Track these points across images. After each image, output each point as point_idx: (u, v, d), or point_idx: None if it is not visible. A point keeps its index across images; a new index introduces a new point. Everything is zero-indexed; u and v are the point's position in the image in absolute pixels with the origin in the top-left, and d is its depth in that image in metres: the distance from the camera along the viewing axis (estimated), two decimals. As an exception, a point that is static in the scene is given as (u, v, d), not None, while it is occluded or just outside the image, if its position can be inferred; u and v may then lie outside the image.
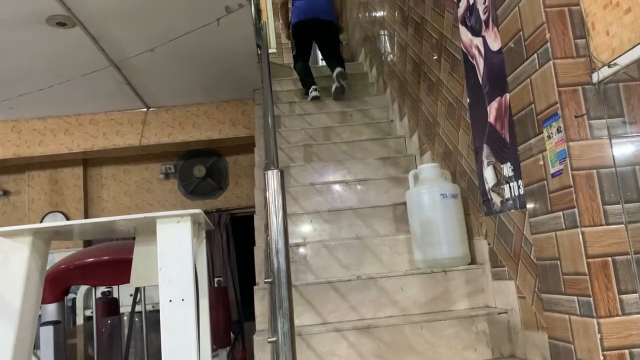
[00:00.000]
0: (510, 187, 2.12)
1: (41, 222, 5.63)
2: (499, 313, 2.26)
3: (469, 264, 2.57)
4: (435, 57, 3.00)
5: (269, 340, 1.76)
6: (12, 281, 1.21)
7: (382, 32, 4.63)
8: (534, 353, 2.03)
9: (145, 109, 5.38)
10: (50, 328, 2.50)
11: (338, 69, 4.55)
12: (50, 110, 5.16)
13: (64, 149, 5.35)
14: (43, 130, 5.34)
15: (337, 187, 3.36)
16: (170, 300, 1.18)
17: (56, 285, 2.80)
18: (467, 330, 2.25)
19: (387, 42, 4.40)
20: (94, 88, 4.63)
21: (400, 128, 4.01)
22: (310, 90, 4.71)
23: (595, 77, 1.54)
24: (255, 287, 2.53)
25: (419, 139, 3.51)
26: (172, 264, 1.21)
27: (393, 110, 4.24)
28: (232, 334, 4.94)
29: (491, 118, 2.25)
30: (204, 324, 1.45)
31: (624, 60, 1.41)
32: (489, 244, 2.43)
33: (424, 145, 3.38)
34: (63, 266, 2.83)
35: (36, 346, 2.46)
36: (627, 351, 1.43)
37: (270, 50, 4.38)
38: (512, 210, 2.12)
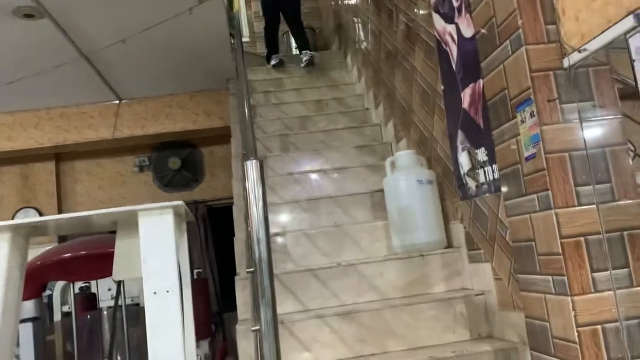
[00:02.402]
0: (484, 171, 2.16)
1: (12, 218, 5.51)
2: (476, 295, 2.31)
3: (445, 248, 2.62)
4: (409, 45, 3.02)
5: (253, 329, 1.77)
6: (-8, 278, 1.20)
7: (355, 19, 4.64)
8: (511, 332, 2.09)
9: (117, 101, 5.29)
10: (30, 325, 2.46)
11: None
12: (18, 104, 5.03)
13: (34, 143, 5.23)
14: (11, 124, 5.21)
15: (315, 176, 3.37)
16: (155, 292, 1.18)
17: (33, 281, 2.75)
18: (445, 313, 2.30)
19: (361, 30, 4.41)
20: (64, 81, 4.53)
21: (376, 116, 4.03)
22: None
23: (566, 62, 1.58)
24: (236, 278, 2.54)
25: (394, 126, 3.54)
26: (156, 255, 1.21)
27: (368, 98, 4.26)
28: (212, 326, 4.94)
29: (465, 104, 2.28)
30: (188, 315, 1.46)
31: (593, 46, 1.45)
32: (464, 227, 2.48)
33: (400, 133, 3.41)
34: (39, 262, 2.79)
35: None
36: (599, 327, 1.48)
37: (243, 39, 4.35)
38: (487, 194, 2.16)
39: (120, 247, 1.37)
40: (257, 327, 1.65)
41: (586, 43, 1.47)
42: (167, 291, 1.19)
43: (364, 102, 4.39)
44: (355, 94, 4.57)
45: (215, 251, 5.71)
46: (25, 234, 1.31)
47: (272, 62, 5.29)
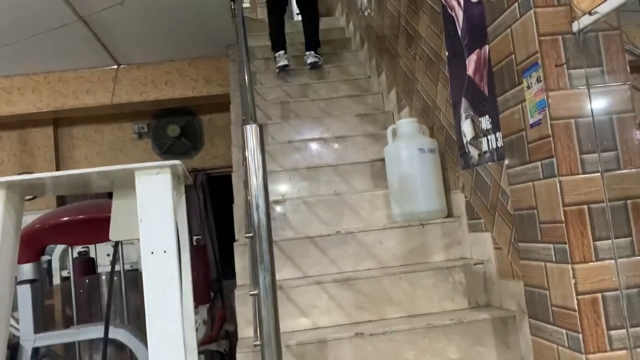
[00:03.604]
0: (488, 139, 2.13)
1: (12, 184, 5.49)
2: (475, 264, 2.31)
3: (445, 217, 2.61)
4: (414, 11, 2.96)
5: (251, 293, 1.77)
6: (-14, 236, 1.19)
7: (358, -15, 4.53)
8: (509, 301, 2.09)
9: (116, 66, 5.22)
10: (28, 286, 2.46)
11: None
12: (17, 68, 4.97)
13: (32, 108, 5.18)
14: (10, 88, 5.16)
15: (315, 144, 3.34)
16: (152, 252, 1.17)
17: (32, 244, 2.75)
18: (444, 281, 2.30)
19: (364, -4, 4.32)
20: (62, 44, 4.46)
21: (378, 84, 3.98)
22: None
23: (575, 26, 1.53)
24: (235, 244, 2.53)
25: (396, 95, 3.49)
26: (153, 215, 1.19)
27: (371, 66, 4.20)
28: (211, 292, 4.98)
29: (470, 71, 2.24)
30: (186, 277, 1.45)
31: (604, 8, 1.41)
32: (465, 197, 2.46)
33: (402, 101, 3.36)
34: (38, 225, 2.78)
35: (13, 308, 2.43)
36: (599, 295, 1.48)
37: (243, 5, 4.26)
38: (490, 163, 2.14)
39: (117, 207, 1.36)
40: (256, 292, 1.65)
41: (597, 5, 1.42)
42: (165, 251, 1.17)
43: (366, 70, 4.33)
44: (358, 62, 4.50)
45: (214, 219, 5.71)
46: (21, 193, 1.29)
47: (277, 68, 4.27)
